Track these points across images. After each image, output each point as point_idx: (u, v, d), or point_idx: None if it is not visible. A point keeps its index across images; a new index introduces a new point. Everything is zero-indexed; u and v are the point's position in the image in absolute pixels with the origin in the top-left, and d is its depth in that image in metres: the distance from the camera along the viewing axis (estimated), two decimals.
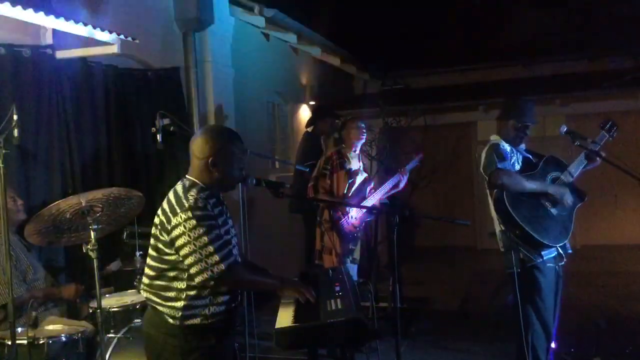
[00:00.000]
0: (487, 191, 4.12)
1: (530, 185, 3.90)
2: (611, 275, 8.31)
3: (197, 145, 2.69)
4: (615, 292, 7.34)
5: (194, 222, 2.52)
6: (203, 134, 2.73)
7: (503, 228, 3.95)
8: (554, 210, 3.93)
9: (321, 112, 7.39)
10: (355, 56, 11.00)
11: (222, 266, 2.53)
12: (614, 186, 9.46)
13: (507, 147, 4.06)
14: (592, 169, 4.09)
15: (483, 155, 4.08)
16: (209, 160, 2.66)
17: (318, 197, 4.94)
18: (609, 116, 4.66)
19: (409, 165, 5.20)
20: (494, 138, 4.16)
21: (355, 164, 5.09)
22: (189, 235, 2.52)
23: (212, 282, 2.55)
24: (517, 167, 4.04)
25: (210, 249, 2.52)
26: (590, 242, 10.00)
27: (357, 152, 5.14)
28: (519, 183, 3.87)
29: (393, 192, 5.12)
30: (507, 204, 3.81)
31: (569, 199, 3.94)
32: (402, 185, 5.10)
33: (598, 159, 3.99)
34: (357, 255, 5.13)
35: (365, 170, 5.27)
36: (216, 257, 2.52)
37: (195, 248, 2.52)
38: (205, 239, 2.52)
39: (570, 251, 4.03)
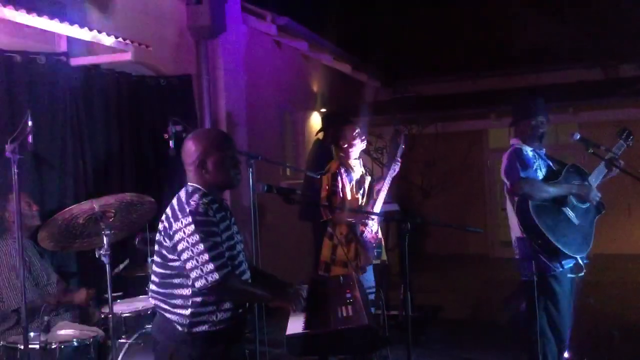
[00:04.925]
0: (507, 197, 4.07)
1: (553, 189, 3.85)
2: (624, 285, 8.23)
3: (186, 152, 2.70)
4: (629, 301, 7.27)
5: (192, 227, 2.51)
6: (189, 139, 2.72)
7: (524, 236, 3.88)
8: (575, 220, 3.89)
9: (331, 119, 7.39)
10: (366, 64, 11.02)
11: (216, 275, 2.51)
12: (627, 195, 9.39)
13: (529, 152, 4.00)
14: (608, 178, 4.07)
15: (504, 159, 4.03)
16: (197, 163, 2.66)
17: (341, 217, 4.80)
18: (621, 124, 4.63)
19: (398, 153, 5.12)
20: (516, 143, 4.10)
21: (358, 170, 4.99)
22: (187, 241, 2.52)
23: (205, 291, 2.54)
24: (540, 174, 3.97)
25: (206, 256, 2.51)
26: (603, 251, 9.86)
27: (358, 157, 5.02)
28: (543, 190, 3.82)
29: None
30: (531, 212, 3.75)
31: (595, 196, 3.93)
32: (396, 171, 5.04)
33: (615, 168, 3.96)
34: (384, 256, 5.07)
35: (368, 172, 5.14)
36: (211, 266, 2.51)
37: (192, 254, 2.51)
38: (201, 246, 2.51)
39: (586, 261, 3.99)
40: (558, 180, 3.94)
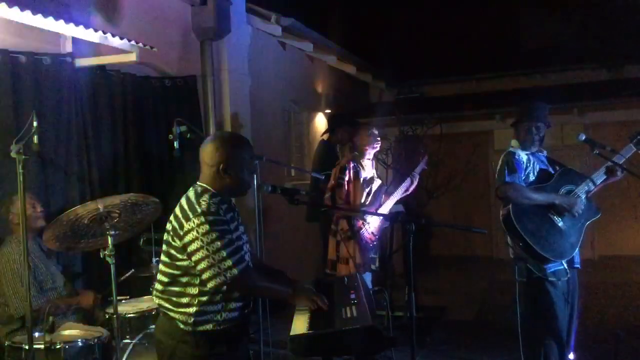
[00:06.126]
0: None
1: (537, 197, 3.85)
2: (630, 286, 8.19)
3: (207, 153, 2.71)
4: (635, 303, 7.24)
5: (207, 227, 2.53)
6: (212, 141, 2.74)
7: (509, 238, 3.93)
8: (561, 225, 3.86)
9: (338, 120, 7.39)
10: (370, 64, 11.02)
11: (235, 271, 2.53)
12: (634, 196, 9.34)
13: (523, 157, 3.99)
14: (613, 182, 3.98)
15: (499, 163, 4.06)
16: (220, 167, 2.67)
17: (338, 207, 4.88)
18: (626, 125, 4.61)
19: (417, 169, 5.21)
20: (513, 144, 4.12)
21: (369, 171, 5.06)
22: (201, 240, 2.53)
23: (224, 287, 2.56)
24: (532, 178, 3.97)
25: (223, 253, 2.53)
26: (609, 253, 9.88)
27: (371, 159, 5.10)
28: (525, 196, 3.84)
29: (404, 195, 5.14)
30: (512, 216, 3.80)
31: (579, 209, 3.85)
32: (412, 188, 5.12)
33: (619, 172, 3.88)
34: (377, 262, 5.12)
35: (378, 176, 5.23)
36: (229, 262, 2.53)
37: (208, 253, 2.52)
38: (218, 243, 2.52)
39: (578, 266, 3.95)
40: (547, 184, 3.92)
